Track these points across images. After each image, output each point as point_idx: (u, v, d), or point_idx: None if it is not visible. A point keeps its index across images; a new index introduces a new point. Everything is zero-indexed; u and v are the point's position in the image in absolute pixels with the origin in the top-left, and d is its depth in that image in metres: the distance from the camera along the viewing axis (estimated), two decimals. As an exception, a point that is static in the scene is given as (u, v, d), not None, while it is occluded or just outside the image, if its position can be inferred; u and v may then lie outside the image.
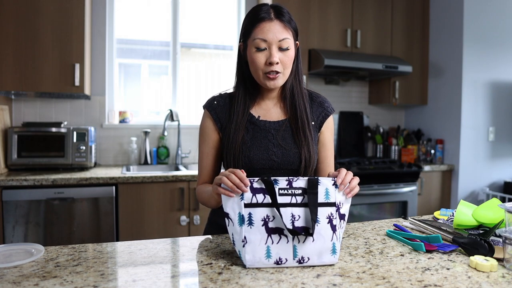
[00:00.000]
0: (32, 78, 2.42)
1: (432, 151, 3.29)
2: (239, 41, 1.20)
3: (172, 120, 2.90)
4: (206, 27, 3.24)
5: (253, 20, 1.12)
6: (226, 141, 1.18)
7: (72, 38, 2.47)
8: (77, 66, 2.47)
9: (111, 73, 2.99)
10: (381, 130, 3.53)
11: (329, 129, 1.26)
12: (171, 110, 2.89)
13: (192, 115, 3.20)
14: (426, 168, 3.05)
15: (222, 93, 1.25)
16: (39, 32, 2.42)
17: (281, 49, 1.11)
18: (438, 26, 3.33)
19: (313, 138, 1.19)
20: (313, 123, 1.21)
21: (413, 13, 3.37)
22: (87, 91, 2.61)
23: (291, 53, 1.13)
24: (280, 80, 1.14)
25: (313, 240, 0.88)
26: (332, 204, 0.91)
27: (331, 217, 0.90)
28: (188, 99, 3.23)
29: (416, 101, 3.43)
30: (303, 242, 0.87)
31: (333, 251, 0.89)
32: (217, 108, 1.21)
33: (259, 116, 1.19)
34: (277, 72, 1.12)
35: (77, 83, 2.47)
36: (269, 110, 1.21)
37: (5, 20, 2.36)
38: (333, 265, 0.89)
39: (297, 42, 1.18)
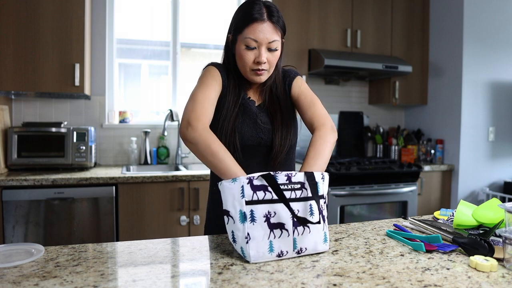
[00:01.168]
0: (32, 78, 2.42)
1: (432, 151, 3.29)
2: (228, 33, 1.24)
3: (172, 120, 2.90)
4: (206, 27, 3.24)
5: (245, 18, 1.15)
6: (219, 118, 1.21)
7: (72, 38, 2.47)
8: (77, 66, 2.47)
9: (111, 73, 2.99)
10: (381, 130, 3.53)
11: (296, 87, 1.28)
12: (171, 110, 2.89)
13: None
14: (426, 168, 3.05)
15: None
16: (39, 32, 2.42)
17: (269, 49, 1.16)
18: (438, 26, 3.33)
19: (291, 119, 1.27)
20: (286, 96, 1.29)
21: (413, 13, 3.37)
22: (87, 91, 2.61)
23: (278, 53, 1.20)
24: (265, 76, 1.22)
25: (310, 231, 0.94)
26: (322, 197, 0.98)
27: (321, 209, 0.97)
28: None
29: (416, 101, 3.43)
30: (302, 234, 0.93)
31: (325, 239, 0.97)
32: (222, 71, 1.24)
33: (249, 97, 1.27)
34: (262, 70, 1.18)
35: (77, 83, 2.47)
36: (251, 90, 1.29)
37: (5, 20, 2.36)
38: (333, 264, 0.89)
39: (283, 40, 1.22)
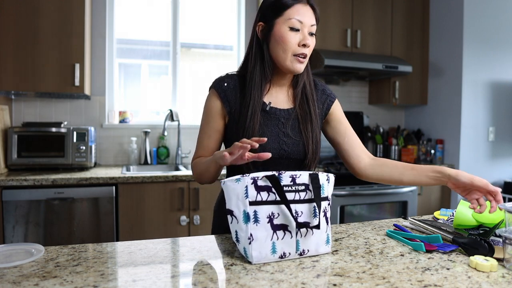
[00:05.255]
0: (32, 78, 2.42)
1: (432, 151, 3.29)
2: (258, 21, 1.17)
3: (172, 120, 2.90)
4: (206, 27, 3.24)
5: (286, 0, 1.12)
6: (238, 127, 1.14)
7: (72, 38, 2.47)
8: (77, 66, 2.47)
9: (111, 73, 2.99)
10: (381, 130, 3.53)
11: (338, 109, 1.28)
12: (171, 110, 2.89)
13: (192, 115, 3.20)
14: (426, 168, 3.04)
15: (229, 73, 1.22)
16: (39, 32, 2.42)
17: (310, 34, 1.14)
18: (438, 26, 3.33)
19: (319, 128, 1.22)
20: (318, 111, 1.23)
21: (413, 13, 3.37)
22: (87, 91, 2.61)
23: (315, 40, 1.17)
24: (304, 65, 1.15)
25: (313, 233, 0.93)
26: (326, 199, 0.97)
27: (326, 211, 0.96)
28: (188, 99, 3.23)
29: (416, 101, 3.43)
30: (305, 236, 0.92)
31: (327, 241, 0.96)
32: (227, 90, 1.17)
33: (270, 103, 1.18)
34: (305, 56, 1.13)
35: (77, 83, 2.47)
36: (278, 97, 1.21)
37: (5, 20, 2.36)
38: (333, 264, 0.89)
39: None
